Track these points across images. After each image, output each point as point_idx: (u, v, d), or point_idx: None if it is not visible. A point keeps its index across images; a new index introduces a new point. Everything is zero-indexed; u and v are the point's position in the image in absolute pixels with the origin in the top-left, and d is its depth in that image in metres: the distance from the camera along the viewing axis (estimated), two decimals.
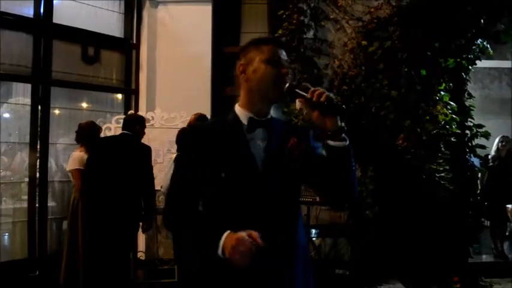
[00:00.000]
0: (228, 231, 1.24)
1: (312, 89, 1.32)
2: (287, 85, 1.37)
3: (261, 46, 1.41)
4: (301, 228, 1.44)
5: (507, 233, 5.55)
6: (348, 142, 1.33)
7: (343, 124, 1.35)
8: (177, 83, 5.10)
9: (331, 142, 1.33)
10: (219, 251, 1.23)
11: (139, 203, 3.68)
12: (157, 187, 3.96)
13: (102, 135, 4.34)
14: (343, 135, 1.33)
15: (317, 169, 1.39)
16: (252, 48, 1.42)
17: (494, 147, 5.37)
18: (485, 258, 5.22)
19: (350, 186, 1.39)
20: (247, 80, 1.40)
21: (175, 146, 3.66)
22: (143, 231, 3.96)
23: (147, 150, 3.72)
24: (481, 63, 4.83)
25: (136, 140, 3.74)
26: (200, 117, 3.67)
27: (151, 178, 3.76)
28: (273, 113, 1.45)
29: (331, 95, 1.30)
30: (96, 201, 3.56)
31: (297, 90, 1.35)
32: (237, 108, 1.44)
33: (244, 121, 1.40)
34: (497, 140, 5.35)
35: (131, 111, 4.91)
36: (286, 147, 1.38)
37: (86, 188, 3.73)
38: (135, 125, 3.73)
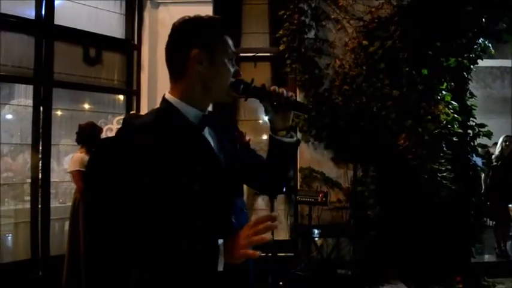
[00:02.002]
0: (221, 241, 1.10)
1: (277, 89, 1.24)
2: (242, 85, 1.23)
3: (221, 36, 1.24)
4: None
5: (510, 233, 5.52)
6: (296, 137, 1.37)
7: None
8: None
9: (286, 139, 1.33)
10: (220, 265, 1.08)
11: None
12: None
13: (103, 136, 4.35)
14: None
15: (262, 167, 1.39)
16: (212, 35, 1.23)
17: (498, 147, 5.34)
18: (487, 258, 5.21)
19: (288, 175, 1.48)
20: (201, 73, 1.20)
21: None
22: None
23: None
24: (482, 62, 4.82)
25: None
26: None
27: None
28: None
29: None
30: (97, 202, 3.57)
31: (257, 91, 1.25)
32: (176, 102, 1.21)
33: (192, 119, 1.20)
34: (501, 139, 5.33)
35: (132, 112, 4.92)
36: (235, 141, 1.32)
37: (87, 189, 3.73)
38: None
